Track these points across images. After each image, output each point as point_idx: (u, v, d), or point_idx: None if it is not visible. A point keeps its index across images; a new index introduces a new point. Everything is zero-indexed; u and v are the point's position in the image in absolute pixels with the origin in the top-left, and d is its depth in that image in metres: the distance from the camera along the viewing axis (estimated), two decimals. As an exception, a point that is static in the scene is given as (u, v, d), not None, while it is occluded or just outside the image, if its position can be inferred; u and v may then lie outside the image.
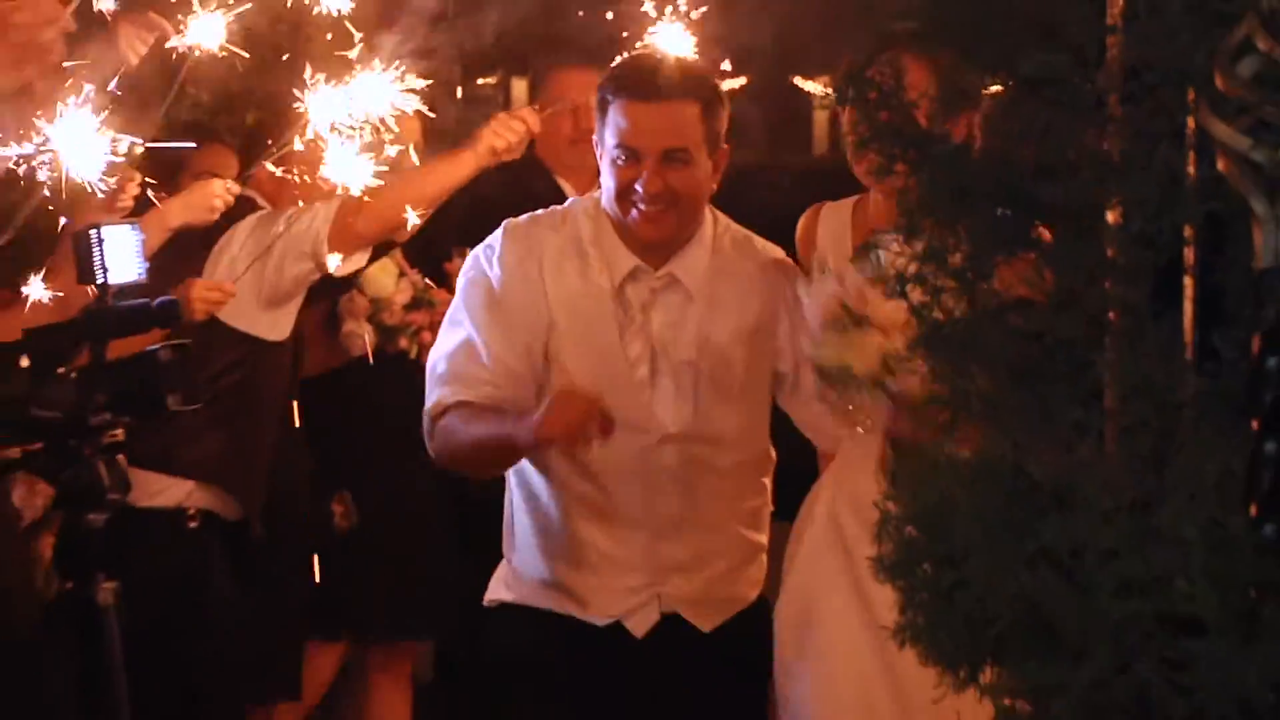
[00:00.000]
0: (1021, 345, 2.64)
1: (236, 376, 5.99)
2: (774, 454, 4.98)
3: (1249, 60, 2.33)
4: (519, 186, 6.18)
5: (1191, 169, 2.46)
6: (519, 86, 6.48)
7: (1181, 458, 2.40)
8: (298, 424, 6.34)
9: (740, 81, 6.80)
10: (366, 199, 5.67)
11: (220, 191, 5.89)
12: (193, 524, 5.95)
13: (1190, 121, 2.44)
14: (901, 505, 2.69)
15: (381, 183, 5.31)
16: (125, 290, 4.98)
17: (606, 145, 4.68)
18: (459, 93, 6.43)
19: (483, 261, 4.82)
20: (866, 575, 4.22)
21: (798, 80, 11.71)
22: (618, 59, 4.99)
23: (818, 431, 4.87)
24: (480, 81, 6.53)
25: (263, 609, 6.24)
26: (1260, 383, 2.36)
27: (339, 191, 5.59)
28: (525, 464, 4.81)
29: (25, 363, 4.98)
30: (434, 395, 4.75)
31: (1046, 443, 2.57)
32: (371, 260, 6.35)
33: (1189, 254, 2.49)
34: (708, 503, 4.78)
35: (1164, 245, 2.51)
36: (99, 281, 5.09)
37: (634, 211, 4.65)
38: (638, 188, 4.61)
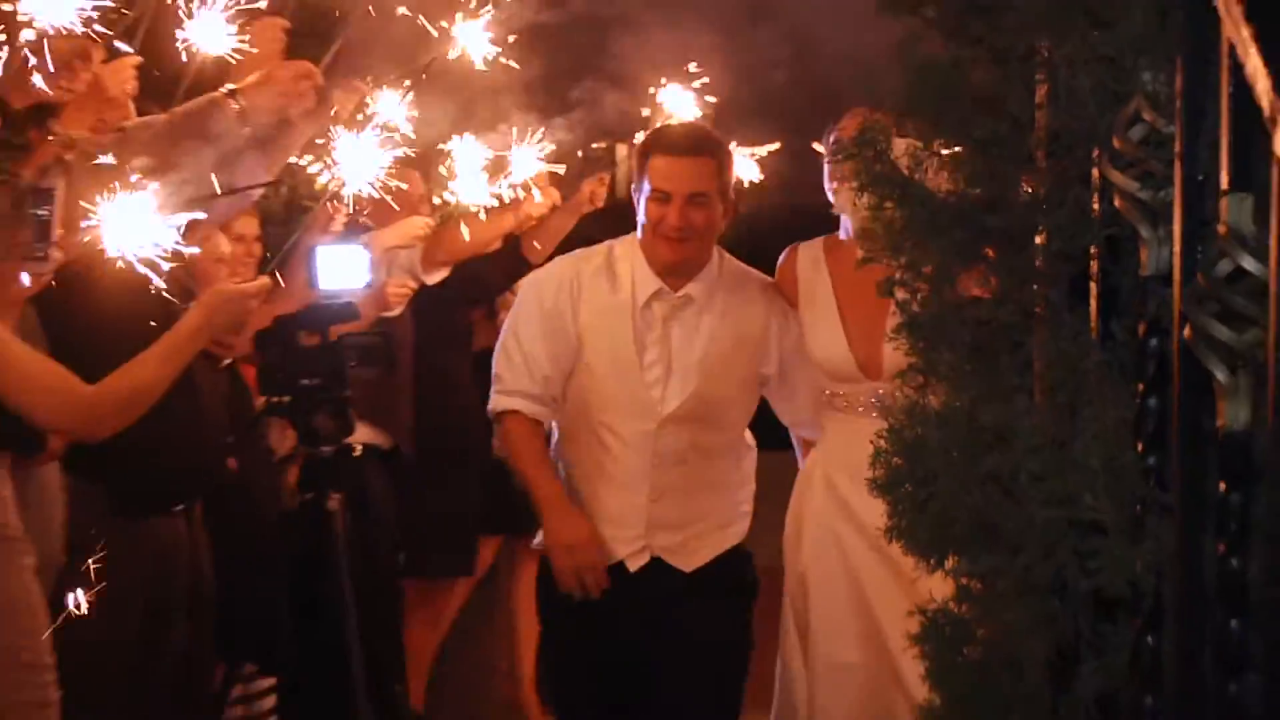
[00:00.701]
0: (975, 329, 2.62)
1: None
2: (754, 444, 4.84)
3: (1138, 128, 2.30)
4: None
5: (1096, 205, 2.44)
6: (621, 150, 6.38)
7: (1089, 409, 2.38)
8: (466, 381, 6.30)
9: (775, 146, 6.68)
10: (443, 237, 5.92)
11: (421, 225, 5.94)
12: (356, 454, 5.93)
13: (1095, 171, 2.42)
14: (890, 443, 2.68)
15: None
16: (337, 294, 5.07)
17: (645, 188, 4.61)
18: (579, 154, 6.37)
19: (534, 284, 4.82)
20: (860, 515, 4.34)
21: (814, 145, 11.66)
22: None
23: (798, 423, 4.77)
24: (593, 145, 6.45)
25: (439, 511, 6.23)
26: (1144, 357, 2.33)
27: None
28: (557, 437, 4.78)
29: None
30: (493, 399, 4.73)
31: (993, 398, 2.55)
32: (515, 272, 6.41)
33: (1094, 265, 2.46)
34: (695, 476, 4.65)
35: (1076, 259, 2.49)
36: (315, 286, 5.13)
37: (662, 243, 4.57)
38: (668, 221, 4.53)
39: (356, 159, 4.30)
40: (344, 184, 4.64)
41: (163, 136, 4.09)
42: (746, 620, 4.69)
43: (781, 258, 4.83)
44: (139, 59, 4.20)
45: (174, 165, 4.09)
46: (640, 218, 4.62)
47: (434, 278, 6.15)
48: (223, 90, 4.21)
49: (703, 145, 4.68)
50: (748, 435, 4.85)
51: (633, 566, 4.63)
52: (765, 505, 4.84)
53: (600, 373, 4.62)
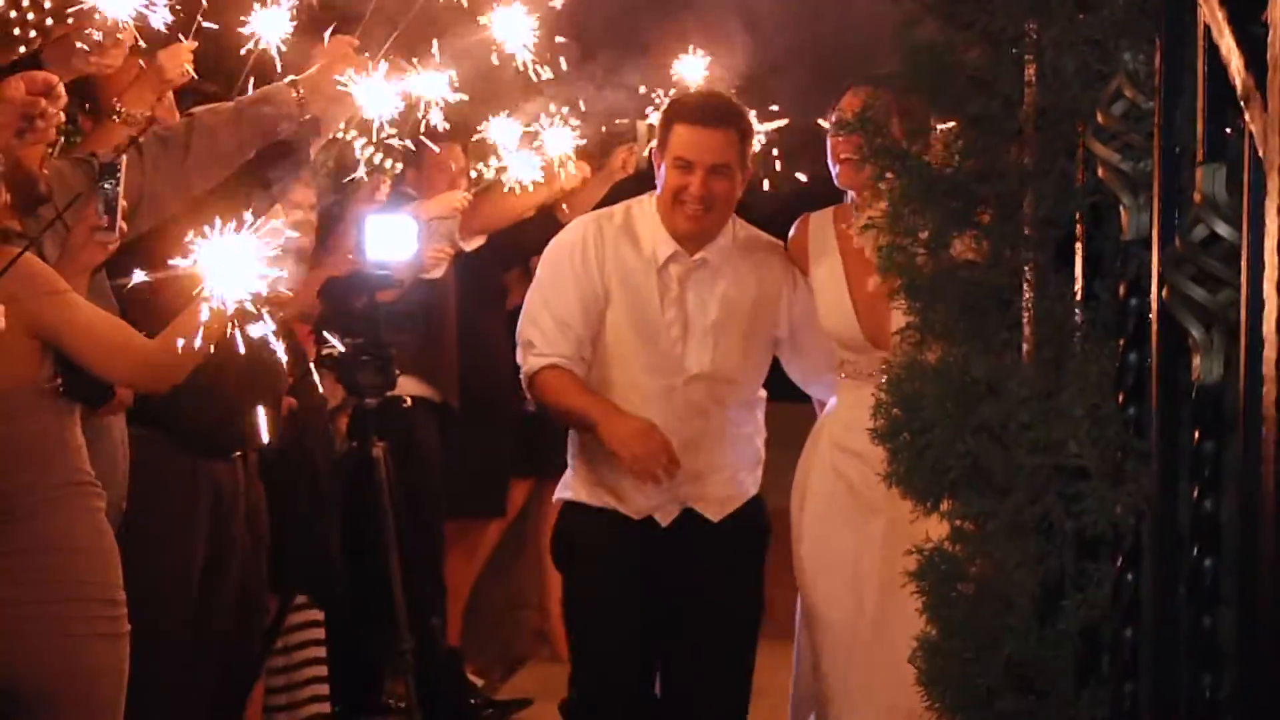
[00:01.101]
0: (967, 290, 2.61)
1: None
2: (765, 395, 4.62)
3: (1119, 103, 2.29)
4: None
5: (1080, 175, 2.43)
6: (642, 125, 6.33)
7: (1073, 364, 2.38)
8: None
9: (784, 122, 6.61)
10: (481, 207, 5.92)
11: (460, 199, 5.95)
12: (405, 405, 5.92)
13: (1080, 144, 2.41)
14: (889, 394, 2.67)
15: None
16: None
17: (668, 156, 4.33)
18: (603, 129, 6.33)
19: (559, 247, 4.51)
20: (858, 478, 4.11)
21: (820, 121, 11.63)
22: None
23: (808, 383, 4.52)
24: (616, 121, 6.40)
25: (475, 457, 6.25)
26: (1125, 315, 2.33)
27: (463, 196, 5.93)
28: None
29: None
30: (525, 361, 4.45)
31: (984, 353, 2.55)
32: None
33: (1079, 230, 2.46)
34: (717, 428, 4.42)
35: (1062, 225, 2.48)
36: (362, 255, 5.16)
37: (681, 212, 4.32)
38: (689, 190, 4.28)
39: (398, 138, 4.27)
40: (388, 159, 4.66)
41: (228, 123, 4.08)
42: (759, 566, 4.52)
43: (793, 228, 4.58)
44: (195, 44, 4.18)
45: (234, 154, 4.08)
46: (663, 183, 4.38)
47: (471, 245, 6.18)
48: (285, 80, 4.19)
49: (727, 115, 4.40)
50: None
51: (664, 520, 4.40)
52: (776, 450, 4.67)
53: (625, 331, 4.40)
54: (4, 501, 3.56)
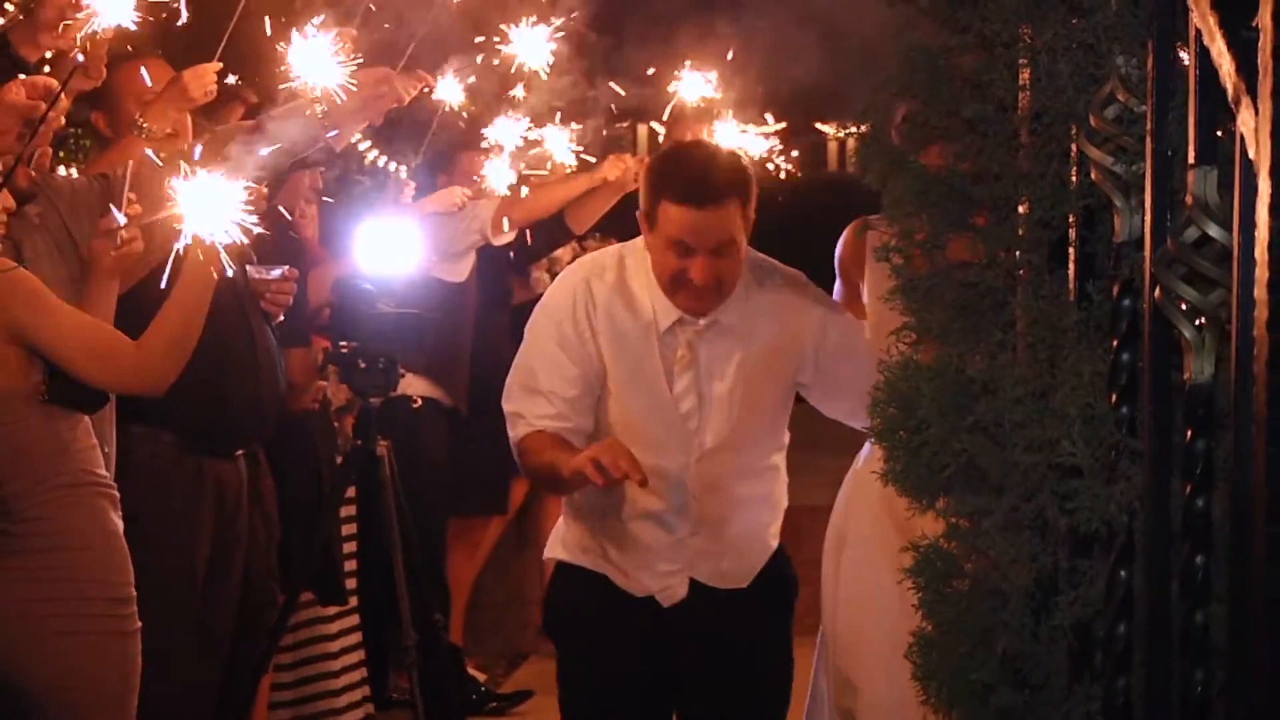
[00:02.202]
0: (963, 290, 2.61)
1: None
2: (787, 434, 3.95)
3: (1112, 107, 2.30)
4: None
5: (1074, 178, 2.44)
6: (642, 130, 6.32)
7: (1067, 363, 2.38)
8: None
9: (781, 126, 6.59)
10: (516, 200, 5.90)
11: (460, 195, 5.97)
12: (415, 405, 5.93)
13: (1074, 147, 2.41)
14: (885, 393, 2.67)
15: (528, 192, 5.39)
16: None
17: (661, 235, 3.62)
18: (603, 133, 6.33)
19: (545, 311, 3.79)
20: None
21: (818, 124, 11.69)
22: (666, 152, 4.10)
23: (845, 418, 3.82)
24: (617, 125, 6.39)
25: (477, 455, 6.24)
26: (1118, 316, 2.33)
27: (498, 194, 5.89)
28: None
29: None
30: (513, 431, 3.76)
31: (980, 353, 2.55)
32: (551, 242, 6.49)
33: (1072, 232, 2.46)
34: (735, 500, 3.78)
35: (1056, 226, 2.49)
36: (361, 264, 5.20)
37: (684, 293, 3.64)
38: (691, 277, 3.60)
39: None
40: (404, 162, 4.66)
41: (250, 140, 4.09)
42: (788, 629, 3.91)
43: (847, 231, 4.08)
44: (219, 65, 4.19)
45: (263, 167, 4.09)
46: (659, 263, 3.67)
47: (501, 240, 6.21)
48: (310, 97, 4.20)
49: (727, 188, 3.64)
50: None
51: (666, 601, 3.75)
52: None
53: (628, 404, 3.72)
54: (8, 503, 3.56)
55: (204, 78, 4.24)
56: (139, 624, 3.74)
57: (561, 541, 3.89)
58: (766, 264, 3.84)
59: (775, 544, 3.88)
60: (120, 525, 3.76)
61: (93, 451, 3.71)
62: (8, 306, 3.53)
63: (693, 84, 6.15)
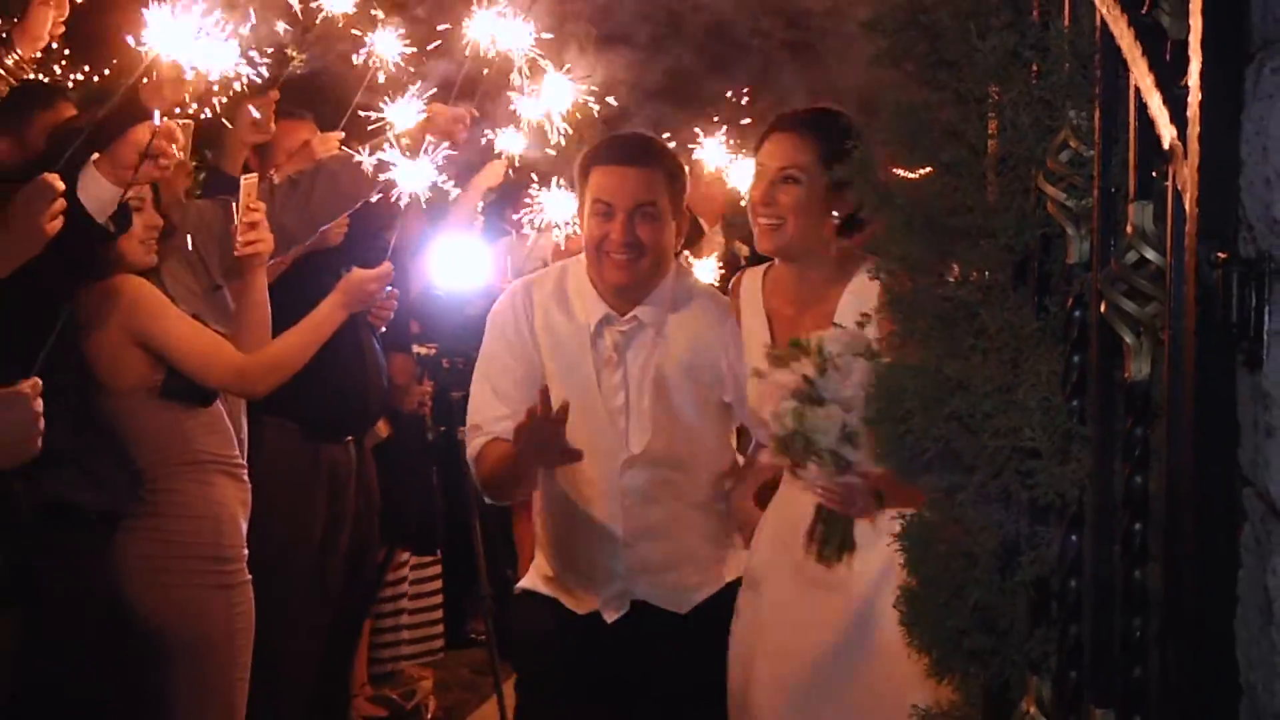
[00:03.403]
0: (941, 304, 2.60)
1: None
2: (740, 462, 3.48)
3: (1065, 152, 2.29)
4: None
5: (1034, 211, 2.42)
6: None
7: (1028, 364, 2.36)
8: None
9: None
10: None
11: (502, 167, 5.46)
12: None
13: (1034, 185, 2.40)
14: (876, 389, 2.66)
15: None
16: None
17: (587, 203, 3.29)
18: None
19: (492, 317, 3.47)
20: (801, 562, 3.09)
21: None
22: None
23: None
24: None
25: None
26: (1070, 325, 2.31)
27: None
28: (540, 483, 3.43)
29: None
30: (470, 446, 3.42)
31: (955, 356, 2.53)
32: None
33: (1032, 256, 2.45)
34: (674, 517, 3.31)
35: (1019, 251, 2.47)
36: (431, 275, 5.18)
37: (607, 263, 3.28)
38: (610, 237, 3.25)
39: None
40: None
41: (347, 168, 4.08)
42: (723, 662, 3.36)
43: (732, 283, 3.53)
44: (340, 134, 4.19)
45: (352, 196, 4.09)
46: (585, 235, 3.34)
47: None
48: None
49: (648, 153, 3.31)
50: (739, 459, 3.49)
51: (610, 617, 3.32)
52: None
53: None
54: (141, 476, 3.60)
55: (330, 142, 4.24)
56: (247, 577, 3.76)
57: (530, 574, 3.53)
58: (693, 281, 3.46)
59: (734, 575, 3.38)
60: (240, 496, 3.78)
61: (213, 435, 3.74)
62: (134, 315, 3.57)
63: (712, 150, 6.04)
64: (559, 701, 3.37)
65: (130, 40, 3.20)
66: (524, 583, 3.53)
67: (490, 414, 3.36)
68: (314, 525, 4.65)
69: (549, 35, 4.15)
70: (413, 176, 3.90)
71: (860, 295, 3.10)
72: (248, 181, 3.75)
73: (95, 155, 3.19)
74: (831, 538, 2.90)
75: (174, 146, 3.31)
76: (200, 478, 3.68)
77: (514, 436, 3.10)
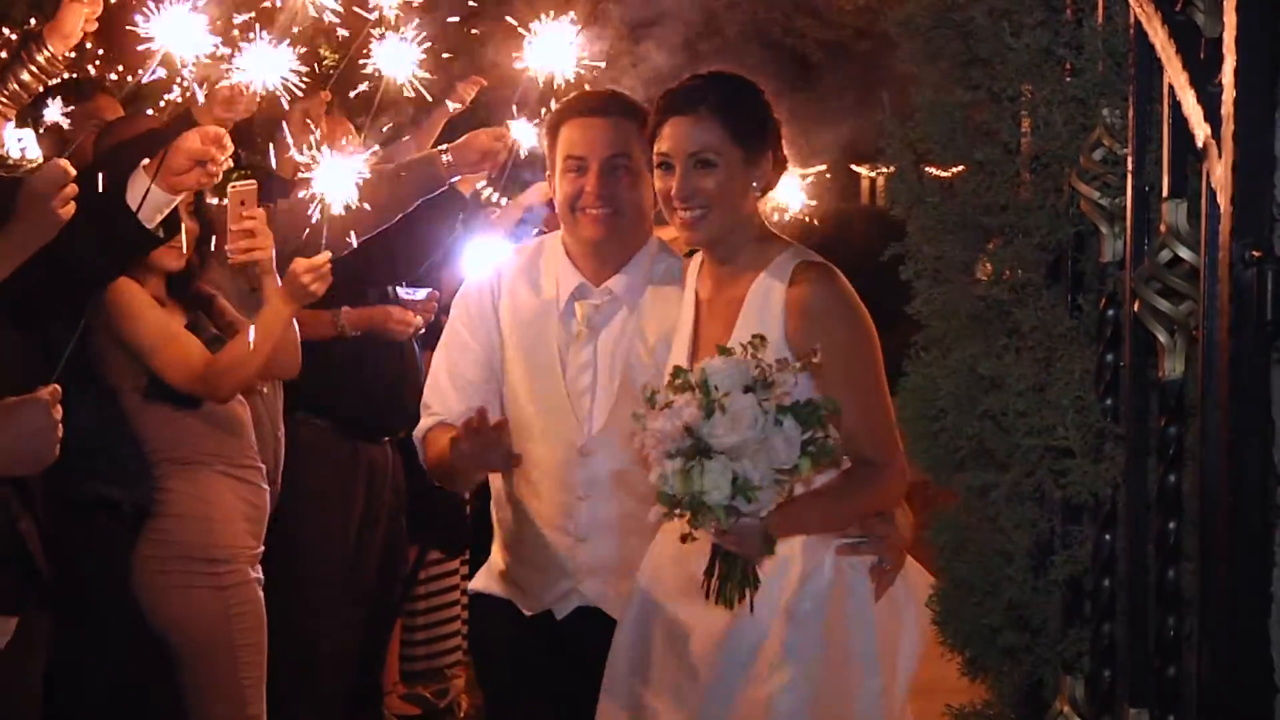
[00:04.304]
0: (975, 303, 2.60)
1: None
2: None
3: (1099, 151, 2.29)
4: None
5: (1067, 209, 2.42)
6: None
7: (1061, 362, 2.36)
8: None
9: (822, 168, 6.45)
10: None
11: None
12: None
13: (1067, 184, 2.40)
14: (910, 386, 2.67)
15: None
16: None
17: (558, 163, 3.02)
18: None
19: (459, 296, 3.22)
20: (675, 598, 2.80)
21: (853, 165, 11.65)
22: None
23: None
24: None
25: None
26: (1103, 323, 2.32)
27: None
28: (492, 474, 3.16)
29: None
30: (420, 424, 3.18)
31: (989, 354, 2.54)
32: None
33: (1066, 254, 2.45)
34: (629, 514, 2.97)
35: (1052, 250, 2.47)
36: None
37: (582, 219, 2.99)
38: (585, 190, 2.97)
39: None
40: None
41: (389, 182, 4.09)
42: None
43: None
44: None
45: (393, 207, 4.08)
46: (559, 196, 3.06)
47: None
48: (438, 149, 4.21)
49: (618, 104, 3.06)
50: None
51: (559, 614, 3.04)
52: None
53: (520, 389, 3.09)
54: (144, 473, 3.62)
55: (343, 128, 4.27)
56: (249, 577, 3.75)
57: (482, 573, 3.24)
58: (674, 261, 3.12)
59: None
60: (244, 495, 3.77)
61: (215, 434, 3.72)
62: (112, 316, 3.59)
63: None
64: (520, 707, 3.13)
65: (142, 32, 3.20)
66: (476, 583, 3.22)
67: (441, 396, 3.12)
68: (350, 523, 4.68)
69: (599, 62, 4.07)
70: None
71: (766, 297, 2.79)
72: (238, 189, 3.69)
73: (145, 161, 3.22)
74: (731, 575, 2.60)
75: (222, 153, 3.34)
76: (193, 477, 3.66)
77: (450, 444, 2.88)
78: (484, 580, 3.21)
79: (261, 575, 3.85)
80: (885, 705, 2.80)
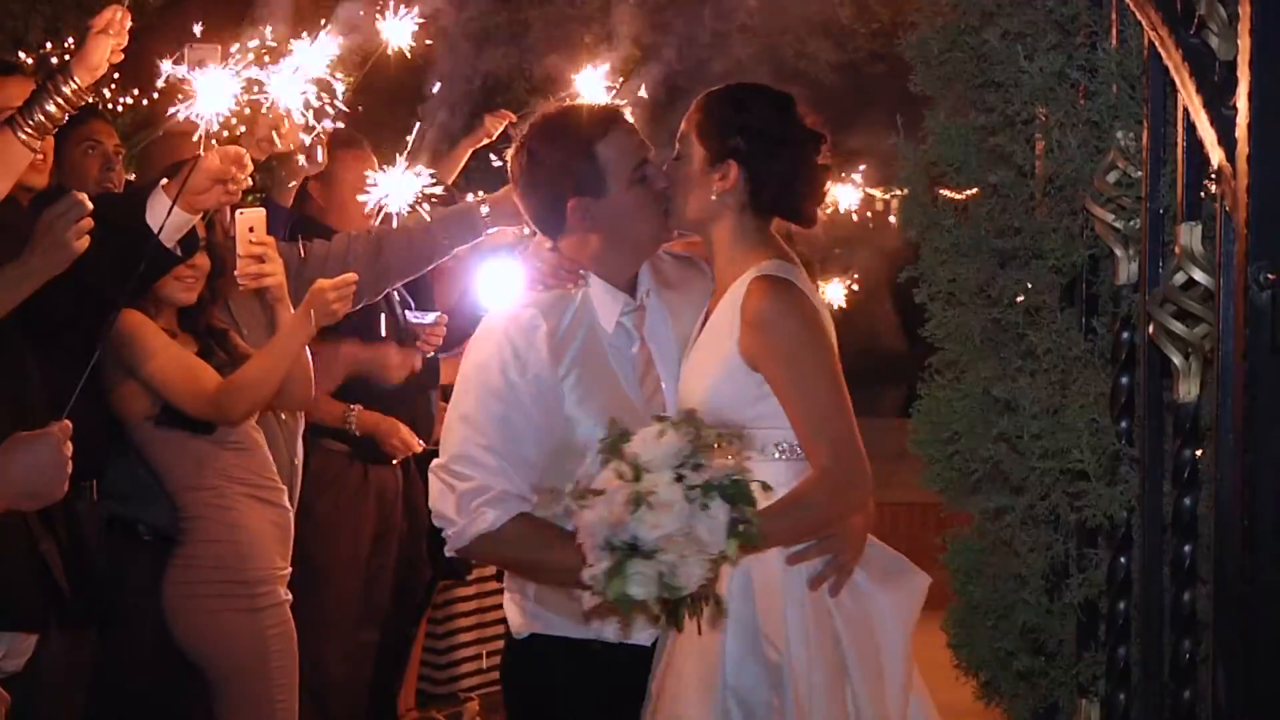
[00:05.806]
0: (990, 325, 2.61)
1: None
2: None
3: (1113, 173, 2.29)
4: None
5: (1081, 232, 2.43)
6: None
7: (1076, 385, 2.37)
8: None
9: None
10: None
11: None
12: None
13: (1081, 207, 2.41)
14: (924, 409, 2.67)
15: None
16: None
17: (625, 172, 2.67)
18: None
19: (479, 368, 2.74)
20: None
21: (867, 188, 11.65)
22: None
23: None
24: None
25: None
26: (1118, 346, 2.32)
27: None
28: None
29: None
30: (479, 517, 2.64)
31: (1003, 377, 2.54)
32: None
33: (1080, 277, 2.45)
34: None
35: (1066, 272, 2.48)
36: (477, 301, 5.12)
37: (665, 217, 2.71)
38: (659, 185, 2.69)
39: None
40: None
41: (423, 233, 4.07)
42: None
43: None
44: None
45: (428, 259, 4.07)
46: (644, 203, 2.68)
47: None
48: (477, 199, 4.18)
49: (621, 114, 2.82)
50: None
51: (649, 638, 2.63)
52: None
53: (589, 430, 2.62)
54: (169, 504, 3.63)
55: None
56: (281, 599, 3.75)
57: (525, 611, 2.79)
58: (675, 252, 2.92)
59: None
60: (273, 518, 3.77)
61: (240, 459, 3.72)
62: (122, 348, 3.59)
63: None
64: None
65: (168, 66, 3.22)
66: (526, 627, 2.78)
67: (504, 481, 2.67)
68: (361, 546, 4.68)
69: (619, 88, 4.03)
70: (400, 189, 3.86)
71: (729, 310, 2.61)
72: (246, 215, 3.70)
73: (164, 180, 3.22)
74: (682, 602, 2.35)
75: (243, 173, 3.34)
76: (223, 503, 3.68)
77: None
78: (542, 621, 2.77)
79: (290, 596, 3.86)
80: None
